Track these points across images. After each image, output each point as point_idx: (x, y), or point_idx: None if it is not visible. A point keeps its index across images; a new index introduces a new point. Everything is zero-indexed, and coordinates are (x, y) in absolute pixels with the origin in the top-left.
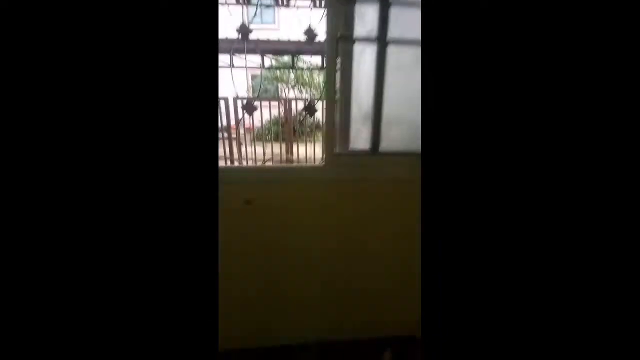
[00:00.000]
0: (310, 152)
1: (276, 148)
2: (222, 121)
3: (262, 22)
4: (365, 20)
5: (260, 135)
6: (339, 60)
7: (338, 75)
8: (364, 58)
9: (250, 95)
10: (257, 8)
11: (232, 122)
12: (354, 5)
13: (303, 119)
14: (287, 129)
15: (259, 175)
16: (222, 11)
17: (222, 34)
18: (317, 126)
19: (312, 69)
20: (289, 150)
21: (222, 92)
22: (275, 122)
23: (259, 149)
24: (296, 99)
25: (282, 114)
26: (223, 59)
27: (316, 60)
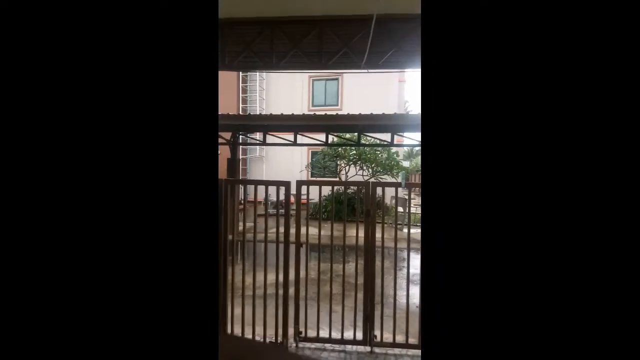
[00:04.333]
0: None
1: (326, 229)
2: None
3: (325, 105)
4: None
5: (314, 214)
6: None
7: None
8: None
9: (309, 171)
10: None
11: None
12: None
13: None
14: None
15: None
16: (286, 90)
17: (287, 111)
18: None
19: (377, 145)
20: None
21: (284, 168)
22: (329, 199)
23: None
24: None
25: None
26: (287, 136)
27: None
